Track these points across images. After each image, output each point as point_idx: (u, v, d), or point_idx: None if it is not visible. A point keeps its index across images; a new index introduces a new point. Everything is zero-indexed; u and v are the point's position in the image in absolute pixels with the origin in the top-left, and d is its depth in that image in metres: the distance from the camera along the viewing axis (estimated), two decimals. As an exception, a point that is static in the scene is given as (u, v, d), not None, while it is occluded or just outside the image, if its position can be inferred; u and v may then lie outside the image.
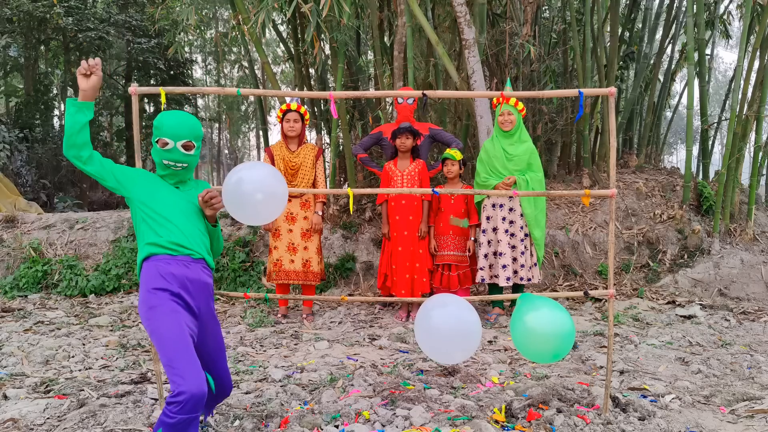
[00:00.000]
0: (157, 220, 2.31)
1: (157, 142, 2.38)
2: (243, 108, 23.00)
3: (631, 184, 6.96)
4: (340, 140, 7.26)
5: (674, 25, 8.18)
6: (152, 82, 13.72)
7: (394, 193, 5.07)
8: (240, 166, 2.58)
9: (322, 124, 7.86)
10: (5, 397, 3.15)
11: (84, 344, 4.31)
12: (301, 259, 5.06)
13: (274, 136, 34.49)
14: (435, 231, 5.17)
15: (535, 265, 5.01)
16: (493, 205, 5.00)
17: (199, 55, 21.64)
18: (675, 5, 8.02)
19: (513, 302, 5.23)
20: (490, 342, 4.38)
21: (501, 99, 4.88)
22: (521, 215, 4.93)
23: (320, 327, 4.90)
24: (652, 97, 8.42)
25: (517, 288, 5.08)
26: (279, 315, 5.19)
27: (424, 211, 5.08)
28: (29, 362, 3.84)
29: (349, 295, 5.97)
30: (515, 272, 4.95)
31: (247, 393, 3.23)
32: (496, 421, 2.81)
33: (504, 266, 4.89)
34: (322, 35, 6.42)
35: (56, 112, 15.93)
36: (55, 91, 15.54)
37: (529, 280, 4.94)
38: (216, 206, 2.43)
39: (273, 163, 5.04)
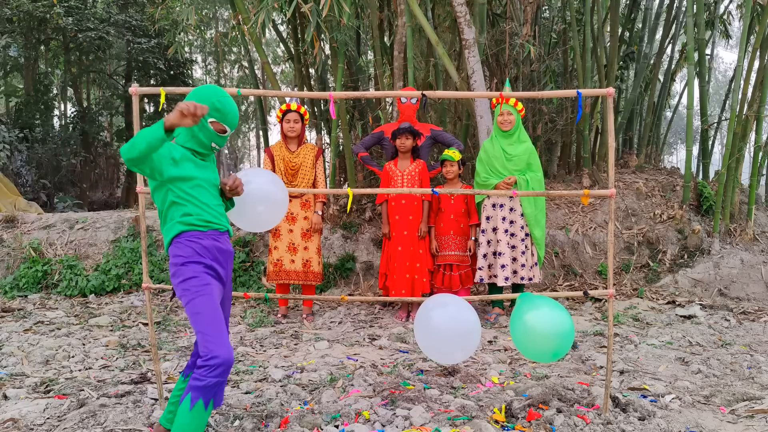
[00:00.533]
0: (189, 200, 2.36)
1: (211, 123, 2.36)
2: (243, 108, 23.00)
3: (631, 184, 6.96)
4: (340, 140, 7.26)
5: (674, 25, 8.17)
6: (152, 82, 13.71)
7: (394, 193, 5.07)
8: (241, 175, 2.59)
9: (322, 124, 7.86)
10: (5, 397, 3.15)
11: (84, 344, 4.31)
12: (301, 259, 5.06)
13: (274, 136, 34.49)
14: (436, 231, 5.18)
15: (536, 264, 5.02)
16: (494, 205, 5.00)
17: (199, 55, 21.64)
18: (675, 5, 8.02)
19: (513, 302, 5.23)
20: (490, 342, 4.38)
21: (500, 99, 4.89)
22: (521, 215, 4.94)
23: (320, 327, 4.90)
24: (652, 97, 8.42)
25: (516, 288, 5.08)
26: (279, 315, 5.19)
27: (424, 211, 5.09)
28: (29, 362, 3.84)
29: (349, 295, 5.97)
30: (515, 272, 4.95)
31: (247, 393, 3.23)
32: (496, 421, 2.81)
33: (503, 266, 4.89)
34: (322, 35, 6.42)
35: (56, 112, 15.93)
36: (55, 91, 15.54)
37: (530, 279, 4.95)
38: (239, 192, 2.53)
39: (273, 164, 5.04)
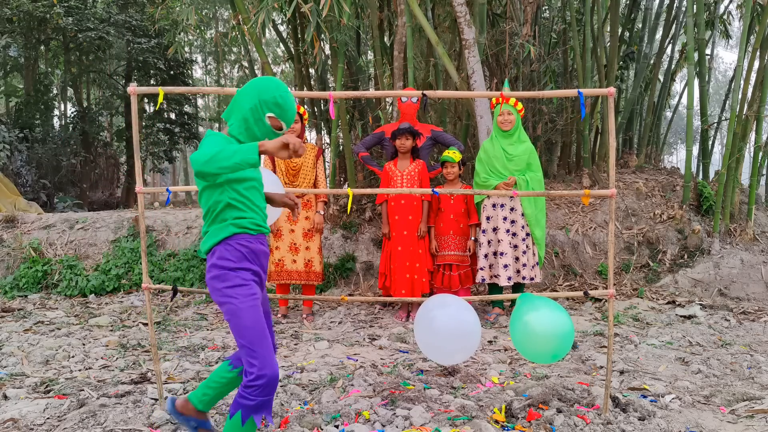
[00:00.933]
0: (244, 202, 2.27)
1: (269, 118, 2.26)
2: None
3: (631, 184, 6.96)
4: (340, 140, 7.26)
5: (674, 25, 8.17)
6: (152, 82, 13.72)
7: (393, 193, 5.07)
8: None
9: (322, 124, 7.86)
10: (5, 397, 3.15)
11: (84, 344, 4.31)
12: (303, 259, 5.06)
13: (274, 136, 34.42)
14: (435, 231, 5.18)
15: (537, 264, 5.02)
16: (494, 205, 5.00)
17: (199, 55, 21.66)
18: (675, 5, 8.02)
19: (513, 302, 5.23)
20: (490, 342, 4.38)
21: (500, 99, 4.89)
22: (522, 215, 4.94)
23: (320, 327, 4.90)
24: (652, 97, 8.42)
25: (517, 288, 5.08)
26: (279, 315, 5.19)
27: (423, 211, 5.09)
28: (29, 362, 3.84)
29: (349, 295, 5.97)
30: (517, 272, 4.95)
31: (247, 393, 3.22)
32: (496, 421, 2.81)
33: (505, 266, 4.89)
34: (322, 35, 6.42)
35: (56, 112, 15.93)
36: (55, 91, 15.55)
37: (531, 279, 4.95)
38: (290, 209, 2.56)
39: (273, 164, 5.04)
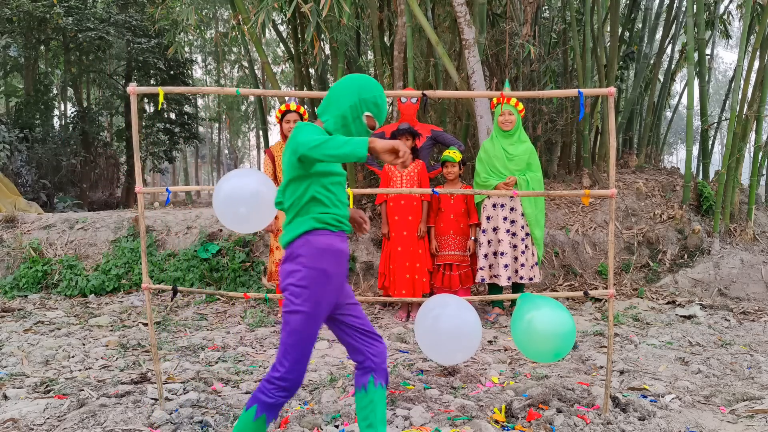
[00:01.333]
0: (328, 196, 2.23)
1: (366, 116, 2.25)
2: (243, 108, 23.02)
3: (631, 184, 6.96)
4: (340, 140, 7.25)
5: (674, 25, 8.17)
6: (152, 82, 13.72)
7: (393, 193, 5.07)
8: (226, 177, 2.59)
9: (322, 124, 7.85)
10: (5, 397, 3.15)
11: (84, 344, 4.31)
12: (301, 259, 5.05)
13: (274, 137, 34.51)
14: (435, 231, 5.18)
15: (536, 264, 5.02)
16: (494, 205, 5.00)
17: (199, 55, 21.66)
18: (675, 5, 8.02)
19: (513, 302, 5.24)
20: (490, 342, 4.38)
21: (501, 99, 4.89)
22: (522, 215, 4.94)
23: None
24: (652, 97, 8.42)
25: (517, 288, 5.08)
26: (279, 315, 5.18)
27: (423, 211, 5.09)
28: (29, 362, 3.84)
29: (349, 295, 5.96)
30: (516, 272, 4.96)
31: (247, 393, 3.22)
32: (496, 421, 2.81)
33: (506, 266, 4.90)
34: (322, 35, 6.42)
35: (56, 112, 15.93)
36: (55, 91, 15.55)
37: (531, 279, 4.95)
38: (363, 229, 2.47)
39: (274, 164, 5.04)
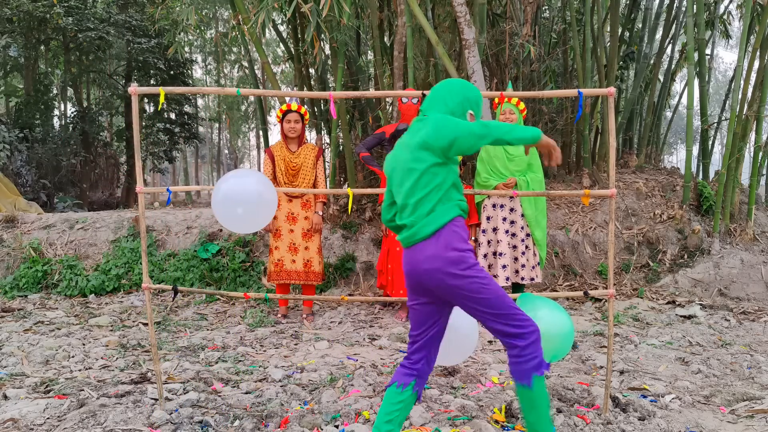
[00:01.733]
0: (460, 184, 2.33)
1: (470, 114, 2.37)
2: (243, 108, 23.02)
3: (631, 184, 6.96)
4: (340, 140, 7.26)
5: (674, 25, 8.17)
6: (152, 82, 13.72)
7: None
8: (224, 177, 2.59)
9: (322, 124, 7.86)
10: (5, 397, 3.15)
11: (84, 344, 4.31)
12: (302, 259, 5.06)
13: (274, 136, 34.49)
14: None
15: (538, 264, 5.02)
16: (494, 206, 5.00)
17: (199, 55, 21.66)
18: (675, 5, 8.02)
19: (513, 302, 5.23)
20: (490, 342, 4.38)
21: (502, 99, 4.90)
22: (522, 215, 4.94)
23: (320, 327, 4.90)
24: (652, 97, 8.42)
25: (517, 288, 5.08)
26: (279, 315, 5.19)
27: None
28: (29, 362, 3.84)
29: (349, 295, 5.97)
30: (516, 272, 4.95)
31: (247, 393, 3.23)
32: (496, 421, 2.81)
33: (504, 266, 4.89)
34: (322, 35, 6.42)
35: (56, 112, 15.93)
36: (55, 91, 15.55)
37: (532, 279, 4.95)
38: None
39: (273, 164, 5.04)
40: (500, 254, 4.92)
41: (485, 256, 5.00)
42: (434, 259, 2.18)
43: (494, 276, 4.95)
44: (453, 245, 2.18)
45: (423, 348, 2.32)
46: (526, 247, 4.94)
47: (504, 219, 4.95)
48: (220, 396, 3.16)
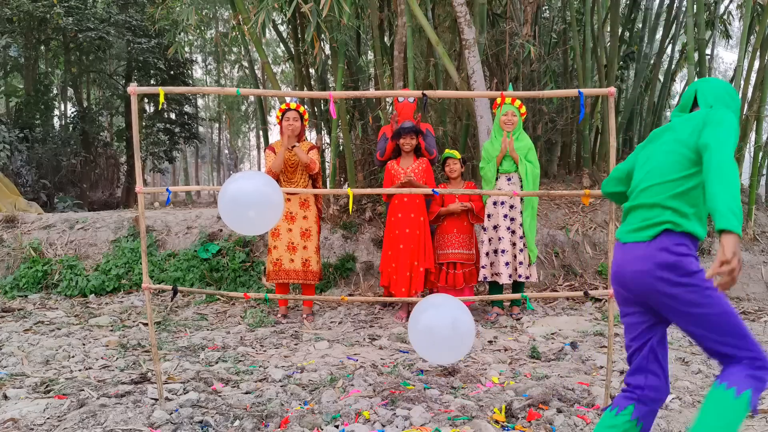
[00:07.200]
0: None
1: None
2: (243, 108, 23.02)
3: (631, 184, 6.96)
4: (340, 140, 7.26)
5: (674, 25, 8.18)
6: (152, 82, 13.72)
7: (394, 192, 5.06)
8: (232, 179, 2.59)
9: (322, 124, 7.86)
10: (5, 397, 3.15)
11: (84, 344, 4.31)
12: (300, 259, 5.06)
13: (274, 136, 34.45)
14: (439, 229, 5.20)
15: (531, 263, 5.04)
16: (494, 203, 5.03)
17: (199, 55, 21.66)
18: (675, 5, 8.02)
19: (512, 302, 5.25)
20: (490, 342, 4.38)
21: (502, 99, 4.91)
22: (521, 212, 4.99)
23: (320, 327, 4.90)
24: (652, 97, 8.42)
25: (517, 286, 5.11)
26: (279, 315, 5.18)
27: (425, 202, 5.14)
28: (29, 362, 3.84)
29: (349, 295, 5.97)
30: (515, 269, 4.98)
31: (247, 393, 3.22)
32: (496, 421, 2.81)
33: (506, 263, 4.93)
34: (322, 35, 6.42)
35: (56, 112, 15.92)
36: (55, 91, 15.54)
37: (527, 278, 4.98)
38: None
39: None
40: (503, 251, 4.94)
41: (487, 254, 5.02)
42: (644, 260, 1.92)
43: (496, 274, 4.97)
44: (670, 248, 1.89)
45: (641, 369, 2.02)
46: (524, 245, 4.98)
47: (505, 216, 4.98)
48: (220, 396, 3.16)
